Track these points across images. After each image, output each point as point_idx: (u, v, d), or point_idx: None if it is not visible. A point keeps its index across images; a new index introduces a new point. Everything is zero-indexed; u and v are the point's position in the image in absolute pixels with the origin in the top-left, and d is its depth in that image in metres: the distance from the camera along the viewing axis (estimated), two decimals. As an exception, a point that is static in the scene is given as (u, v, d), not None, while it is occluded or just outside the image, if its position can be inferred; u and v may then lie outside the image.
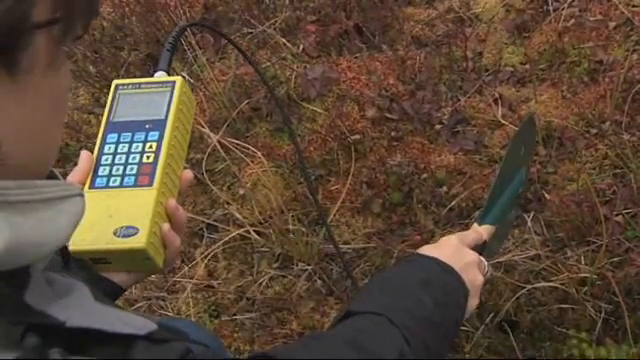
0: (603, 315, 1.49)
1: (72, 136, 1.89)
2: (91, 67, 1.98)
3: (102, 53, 2.05)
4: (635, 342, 1.40)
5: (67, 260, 0.81)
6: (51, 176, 0.58)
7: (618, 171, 1.66)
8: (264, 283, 1.66)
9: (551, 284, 1.53)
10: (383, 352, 0.75)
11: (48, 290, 0.56)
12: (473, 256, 0.95)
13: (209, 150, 1.76)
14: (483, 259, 0.98)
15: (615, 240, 1.54)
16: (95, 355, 0.52)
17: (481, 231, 1.04)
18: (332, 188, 1.79)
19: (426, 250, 0.93)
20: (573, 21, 1.89)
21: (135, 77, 1.87)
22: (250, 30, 2.05)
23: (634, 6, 1.84)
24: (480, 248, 1.02)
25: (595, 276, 1.51)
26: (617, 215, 1.58)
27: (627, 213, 1.58)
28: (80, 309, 0.56)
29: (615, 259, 1.51)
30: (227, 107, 1.84)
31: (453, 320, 0.86)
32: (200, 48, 1.94)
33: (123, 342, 0.56)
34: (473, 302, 0.91)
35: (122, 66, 1.95)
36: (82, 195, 0.57)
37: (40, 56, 0.50)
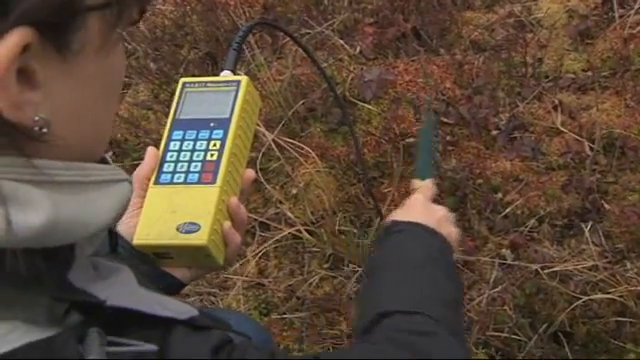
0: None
1: (131, 131, 1.93)
2: (151, 64, 2.01)
3: (162, 51, 2.08)
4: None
5: (115, 247, 0.82)
6: (102, 161, 0.59)
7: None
8: (314, 283, 1.66)
9: (609, 296, 1.49)
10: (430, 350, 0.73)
11: (92, 271, 0.57)
12: (442, 210, 0.97)
13: (264, 149, 1.77)
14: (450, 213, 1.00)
15: (678, 254, 1.49)
16: (133, 337, 0.52)
17: (429, 185, 1.06)
18: (385, 190, 1.78)
19: (400, 215, 0.94)
20: (639, 28, 1.84)
21: (194, 75, 1.90)
22: (308, 31, 2.06)
23: None
24: None
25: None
26: (680, 227, 1.53)
27: (691, 225, 1.53)
28: (121, 290, 0.56)
29: (677, 273, 1.47)
30: (283, 107, 1.85)
31: (461, 288, 0.89)
32: (258, 47, 1.96)
33: (163, 326, 0.56)
34: (455, 256, 0.94)
35: (181, 64, 1.97)
36: (129, 181, 0.58)
37: (92, 38, 0.50)
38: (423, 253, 0.87)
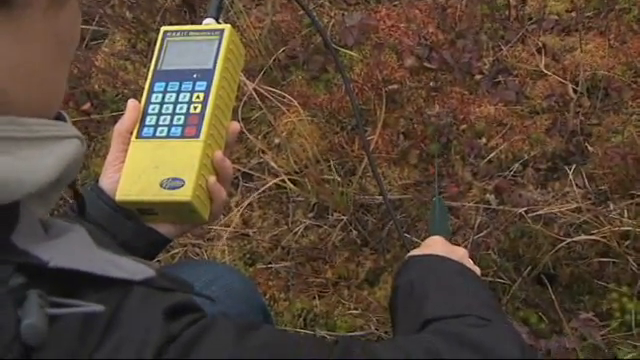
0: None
1: (109, 82, 1.89)
2: (127, 12, 1.96)
3: (138, -1, 2.03)
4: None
5: (82, 208, 0.80)
6: (58, 117, 0.56)
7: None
8: (299, 232, 1.66)
9: (592, 237, 1.50)
10: (505, 349, 0.70)
11: (40, 232, 0.55)
12: (462, 250, 0.99)
13: (245, 98, 1.74)
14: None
15: (661, 194, 1.50)
16: (88, 299, 0.50)
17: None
18: (368, 138, 1.77)
19: (420, 251, 0.97)
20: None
21: (171, 24, 1.86)
22: (287, -24, 2.01)
23: (689, -50, 1.76)
24: None
25: (638, 230, 1.47)
26: (662, 168, 1.54)
27: (673, 166, 1.53)
28: (69, 251, 0.54)
29: (659, 215, 1.48)
30: (263, 55, 1.81)
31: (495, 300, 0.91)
32: (236, -6, 1.91)
33: (122, 288, 0.54)
34: None
35: (158, 12, 1.92)
36: (80, 138, 0.55)
37: None
38: (453, 269, 0.89)
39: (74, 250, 0.54)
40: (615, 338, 1.41)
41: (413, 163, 1.75)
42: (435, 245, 0.99)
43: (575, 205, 1.58)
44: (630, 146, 1.58)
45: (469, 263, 0.96)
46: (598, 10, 1.85)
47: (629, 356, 1.35)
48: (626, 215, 1.52)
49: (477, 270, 0.96)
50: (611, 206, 1.56)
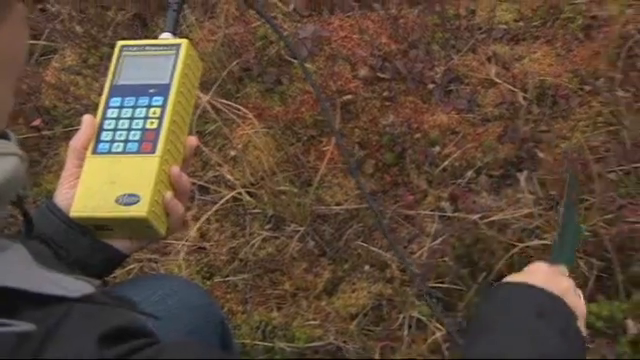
0: (595, 272, 1.49)
1: (60, 98, 1.86)
2: (77, 27, 1.94)
3: (88, 13, 2.00)
4: (627, 297, 1.40)
5: (30, 227, 0.79)
6: (2, 135, 0.56)
7: (612, 128, 1.65)
8: (256, 244, 1.65)
9: (544, 242, 1.53)
10: None
11: None
12: (569, 281, 0.85)
13: (199, 111, 1.74)
14: (578, 290, 0.88)
15: (608, 197, 1.53)
16: (27, 318, 0.49)
17: (563, 269, 0.93)
18: (324, 149, 1.78)
19: (517, 278, 0.84)
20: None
21: (123, 38, 1.84)
22: (239, -11, 2.01)
23: (629, -39, 1.82)
24: None
25: (588, 233, 1.50)
26: (610, 172, 1.58)
27: (620, 170, 1.57)
28: (4, 269, 0.53)
29: (608, 216, 1.51)
30: (217, 67, 1.81)
31: (581, 350, 0.76)
32: (189, 7, 1.91)
33: (62, 306, 0.53)
34: (583, 331, 0.80)
35: (109, 26, 1.91)
36: (20, 156, 0.55)
37: None
38: (534, 309, 0.75)
39: (10, 268, 0.54)
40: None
41: (369, 173, 1.77)
42: (537, 272, 0.85)
43: (527, 210, 1.61)
44: (578, 152, 1.62)
45: (572, 298, 0.81)
46: (544, 19, 1.89)
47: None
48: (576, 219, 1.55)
49: (580, 306, 0.83)
50: (561, 211, 1.59)
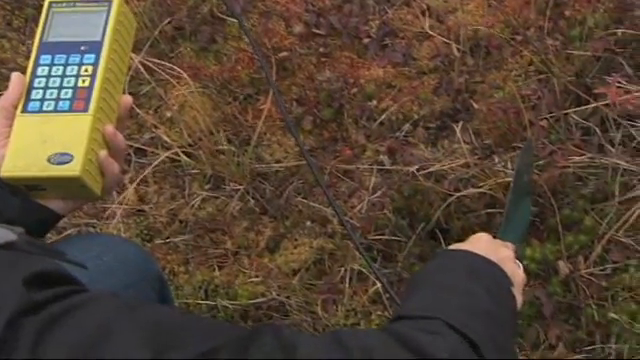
0: (529, 217, 1.53)
1: (-14, 63, 1.81)
2: (1, -11, 1.88)
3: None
4: (559, 240, 1.45)
5: None
6: None
7: (542, 76, 1.68)
8: (196, 205, 1.65)
9: (480, 190, 1.56)
10: (433, 350, 0.63)
11: None
12: (508, 251, 0.89)
13: (132, 73, 1.71)
14: (517, 261, 0.91)
15: (540, 144, 1.57)
16: None
17: (507, 243, 0.96)
18: (261, 107, 1.77)
19: (459, 246, 0.87)
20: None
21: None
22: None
23: None
24: None
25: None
26: (542, 120, 1.61)
27: (551, 117, 1.61)
28: None
29: (540, 162, 1.55)
30: (148, 27, 1.78)
31: (509, 309, 0.78)
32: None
33: None
34: (518, 296, 0.83)
35: (35, -14, 1.85)
36: None
37: None
38: (463, 269, 0.78)
39: None
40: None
41: (308, 129, 1.77)
42: (477, 242, 0.88)
43: (463, 161, 1.63)
44: (511, 101, 1.64)
45: (510, 266, 0.84)
46: (476, -29, 1.90)
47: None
48: (510, 166, 1.59)
49: (518, 275, 0.86)
50: (496, 159, 1.62)
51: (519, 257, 0.97)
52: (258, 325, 0.58)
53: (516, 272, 0.86)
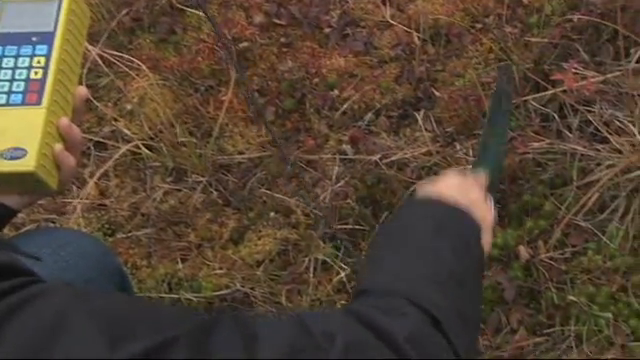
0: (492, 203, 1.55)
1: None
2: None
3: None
4: (520, 225, 1.46)
5: None
6: None
7: (502, 64, 1.69)
8: (158, 198, 1.63)
9: (442, 178, 1.57)
10: (392, 330, 0.62)
11: None
12: (479, 192, 0.86)
13: (90, 65, 1.68)
14: (490, 196, 0.88)
15: (500, 131, 1.58)
16: None
17: (480, 176, 0.92)
18: (223, 98, 1.76)
19: (426, 187, 0.84)
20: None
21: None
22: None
23: None
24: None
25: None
26: (502, 107, 1.62)
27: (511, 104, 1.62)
28: None
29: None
30: (105, 18, 1.75)
31: (476, 264, 0.77)
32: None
33: None
34: (487, 240, 0.81)
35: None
36: None
37: None
38: (430, 226, 0.76)
39: None
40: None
41: (270, 120, 1.76)
42: (448, 185, 0.84)
43: (425, 149, 1.64)
44: (471, 88, 1.66)
45: (480, 209, 0.82)
46: (436, -41, 1.91)
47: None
48: (471, 154, 1.60)
49: (488, 218, 0.83)
50: (457, 146, 1.64)
51: (493, 186, 0.95)
52: (218, 314, 0.57)
53: (486, 214, 0.84)
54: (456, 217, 0.78)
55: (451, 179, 0.86)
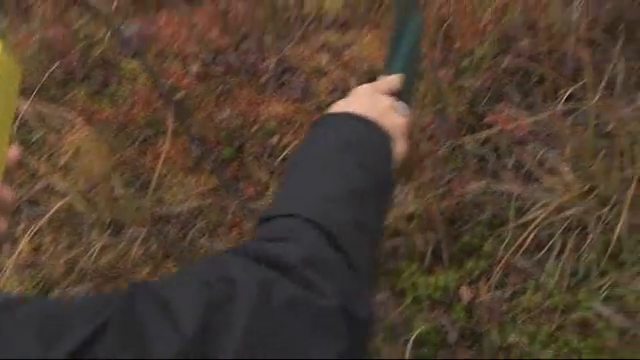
0: (431, 246, 1.55)
1: None
2: None
3: None
4: (460, 266, 1.47)
5: None
6: None
7: (437, 107, 1.71)
8: (95, 253, 1.59)
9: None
10: (286, 258, 0.61)
11: None
12: (387, 100, 0.85)
13: (21, 120, 1.65)
14: (401, 103, 0.87)
15: (438, 173, 1.60)
16: None
17: (391, 80, 0.91)
18: (161, 149, 1.74)
19: (338, 105, 0.83)
20: (387, -36, 1.92)
21: None
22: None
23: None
24: (396, 97, 0.89)
25: (421, 209, 1.56)
26: (438, 149, 1.64)
27: (447, 146, 1.64)
28: None
29: (439, 191, 1.57)
30: (37, 72, 1.72)
31: (384, 176, 0.77)
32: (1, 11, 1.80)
33: None
34: (400, 146, 0.82)
35: None
36: None
37: None
38: (334, 143, 0.76)
39: None
40: (410, 313, 1.49)
41: (209, 169, 1.75)
42: (357, 98, 0.83)
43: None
44: (410, 132, 1.67)
45: (389, 118, 0.82)
46: (370, 6, 1.94)
47: (422, 327, 1.42)
48: (411, 196, 1.61)
49: (399, 124, 0.82)
50: (397, 190, 1.64)
51: (406, 88, 0.94)
52: (129, 287, 0.55)
53: (396, 122, 0.83)
54: (362, 130, 0.78)
55: (361, 91, 0.85)
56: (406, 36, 1.02)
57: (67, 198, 1.61)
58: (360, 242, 0.66)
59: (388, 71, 0.95)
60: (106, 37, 1.78)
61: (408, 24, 1.04)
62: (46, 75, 1.72)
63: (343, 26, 1.96)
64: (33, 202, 1.65)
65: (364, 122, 0.79)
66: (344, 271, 0.62)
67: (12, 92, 0.90)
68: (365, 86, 0.87)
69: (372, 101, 0.83)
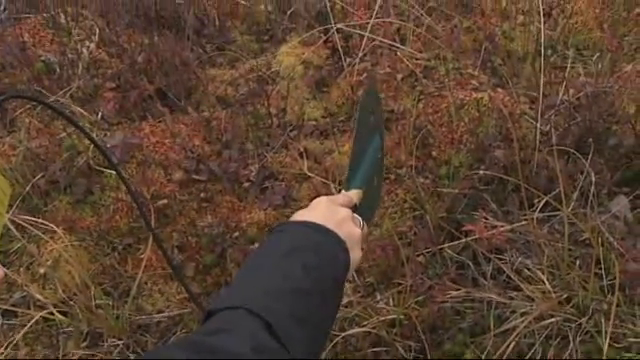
0: (413, 354, 1.54)
1: None
2: None
3: None
4: (443, 377, 1.46)
5: None
6: None
7: (417, 213, 1.74)
8: (72, 366, 1.56)
9: (364, 329, 1.56)
10: (233, 346, 0.67)
11: None
12: (345, 212, 0.94)
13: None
14: (357, 215, 0.97)
15: (418, 280, 1.60)
16: None
17: (350, 195, 1.01)
18: (141, 256, 1.73)
19: (298, 215, 0.92)
20: (365, 74, 1.99)
21: None
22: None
23: (416, 59, 1.97)
24: (352, 210, 0.99)
25: (402, 316, 1.56)
26: (418, 255, 1.66)
27: (427, 252, 1.65)
28: None
29: (419, 298, 1.57)
30: (20, 183, 1.73)
31: (330, 279, 0.83)
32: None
33: None
34: (356, 254, 0.90)
35: None
36: None
37: None
38: (285, 247, 0.83)
39: None
40: None
41: (190, 276, 1.74)
42: (316, 208, 0.92)
43: (347, 300, 1.64)
44: (389, 238, 1.69)
45: (346, 227, 0.90)
46: (348, 115, 2.00)
47: None
48: (391, 303, 1.61)
49: (356, 233, 0.91)
50: (378, 296, 1.64)
51: (364, 204, 1.02)
52: None
53: (353, 231, 0.91)
54: (314, 237, 0.86)
55: (321, 204, 0.94)
56: (368, 152, 1.09)
57: (45, 311, 1.59)
58: (299, 335, 0.73)
59: (347, 186, 1.03)
60: (91, 146, 1.81)
61: (371, 141, 1.10)
62: (29, 186, 1.73)
63: (323, 134, 2.01)
64: (10, 313, 1.63)
65: (318, 229, 0.87)
66: (282, 356, 0.69)
67: (2, 208, 0.90)
68: (325, 198, 0.96)
69: (330, 212, 0.92)
